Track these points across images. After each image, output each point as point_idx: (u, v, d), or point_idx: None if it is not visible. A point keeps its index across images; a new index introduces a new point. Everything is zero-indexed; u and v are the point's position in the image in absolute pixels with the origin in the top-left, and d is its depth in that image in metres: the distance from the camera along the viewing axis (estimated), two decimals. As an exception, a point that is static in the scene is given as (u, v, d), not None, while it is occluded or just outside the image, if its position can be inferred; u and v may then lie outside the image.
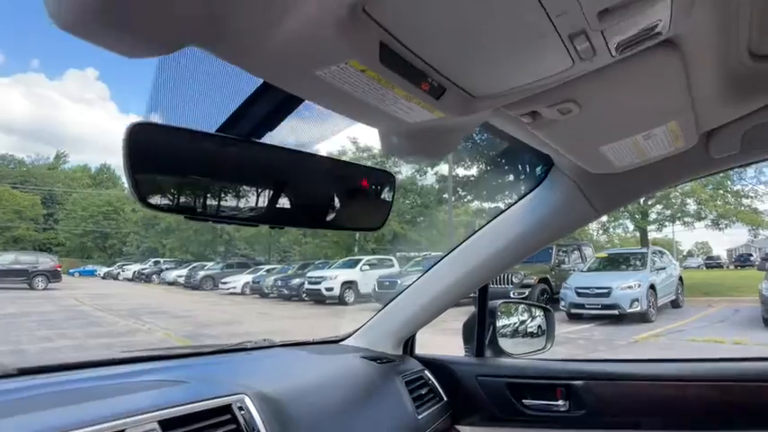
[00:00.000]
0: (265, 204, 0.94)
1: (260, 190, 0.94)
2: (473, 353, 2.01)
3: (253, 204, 0.92)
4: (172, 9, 0.52)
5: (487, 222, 1.84)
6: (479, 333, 2.00)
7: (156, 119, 0.83)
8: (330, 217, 1.06)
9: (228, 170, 0.91)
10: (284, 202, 0.98)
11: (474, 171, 24.04)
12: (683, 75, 0.96)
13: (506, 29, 0.69)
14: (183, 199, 0.85)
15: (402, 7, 0.63)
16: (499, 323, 2.08)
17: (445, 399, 1.90)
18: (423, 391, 1.81)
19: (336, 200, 1.07)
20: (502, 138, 1.30)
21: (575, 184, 1.59)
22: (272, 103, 0.89)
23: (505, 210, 1.79)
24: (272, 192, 0.96)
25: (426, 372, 1.94)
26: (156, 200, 0.81)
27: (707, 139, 1.38)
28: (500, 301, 2.11)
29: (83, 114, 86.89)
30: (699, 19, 0.80)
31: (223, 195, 0.90)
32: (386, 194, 1.17)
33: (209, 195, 0.88)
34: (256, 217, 0.93)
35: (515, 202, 1.77)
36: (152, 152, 0.80)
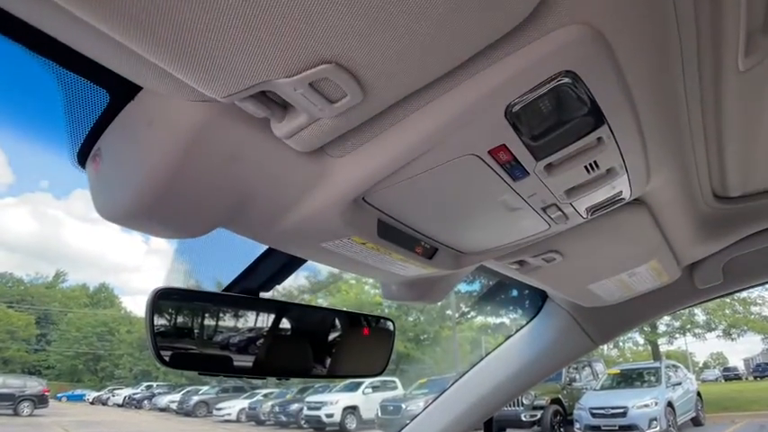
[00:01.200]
0: (273, 356, 1.00)
1: (268, 343, 1.00)
2: None
3: (262, 357, 0.99)
4: (207, 205, 0.64)
5: (486, 355, 1.86)
6: None
7: (174, 282, 0.93)
8: (334, 366, 1.11)
9: (239, 326, 0.99)
10: (291, 354, 1.05)
11: (476, 286, 23.89)
12: (654, 225, 1.05)
13: (485, 206, 0.80)
14: (197, 356, 0.93)
15: (396, 195, 0.73)
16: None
17: None
18: None
19: (340, 349, 1.15)
20: (496, 276, 1.39)
21: (570, 315, 1.67)
22: (279, 263, 1.00)
23: (504, 342, 1.83)
24: (280, 344, 1.03)
25: None
26: (173, 358, 0.88)
27: (690, 271, 1.48)
28: None
29: (86, 233, 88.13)
30: (659, 181, 0.88)
31: (234, 350, 0.96)
32: (386, 340, 1.24)
33: (221, 351, 0.95)
34: (265, 369, 0.99)
35: (514, 334, 1.82)
36: (172, 314, 0.90)
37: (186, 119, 0.55)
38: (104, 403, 33.56)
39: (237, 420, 21.60)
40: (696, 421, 14.14)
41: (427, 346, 27.57)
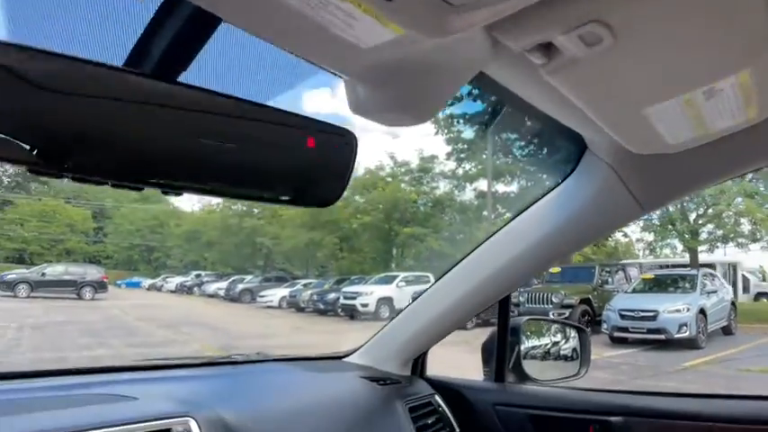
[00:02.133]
0: (175, 163, 0.69)
1: (169, 146, 0.68)
2: (492, 377, 1.76)
3: (158, 163, 0.67)
4: None
5: (509, 221, 1.56)
6: (499, 354, 1.75)
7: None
8: (259, 185, 0.80)
9: (115, 115, 0.63)
10: (195, 161, 0.70)
11: (515, 187, 23.66)
12: None
13: None
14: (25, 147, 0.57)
15: None
16: (528, 343, 1.83)
17: (458, 430, 1.67)
18: (430, 420, 1.61)
19: (271, 163, 0.79)
20: (512, 104, 0.98)
21: (613, 171, 1.27)
22: (178, 28, 0.64)
23: (530, 205, 1.49)
24: (185, 149, 0.69)
25: (437, 397, 1.73)
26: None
27: None
28: (525, 318, 1.86)
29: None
30: None
31: (119, 150, 0.64)
32: (342, 159, 0.85)
33: (96, 149, 0.62)
34: (163, 179, 0.69)
35: (542, 196, 1.46)
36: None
37: None
38: (159, 290, 36.15)
39: (279, 307, 22.94)
40: (727, 330, 14.11)
41: (463, 245, 28.02)
